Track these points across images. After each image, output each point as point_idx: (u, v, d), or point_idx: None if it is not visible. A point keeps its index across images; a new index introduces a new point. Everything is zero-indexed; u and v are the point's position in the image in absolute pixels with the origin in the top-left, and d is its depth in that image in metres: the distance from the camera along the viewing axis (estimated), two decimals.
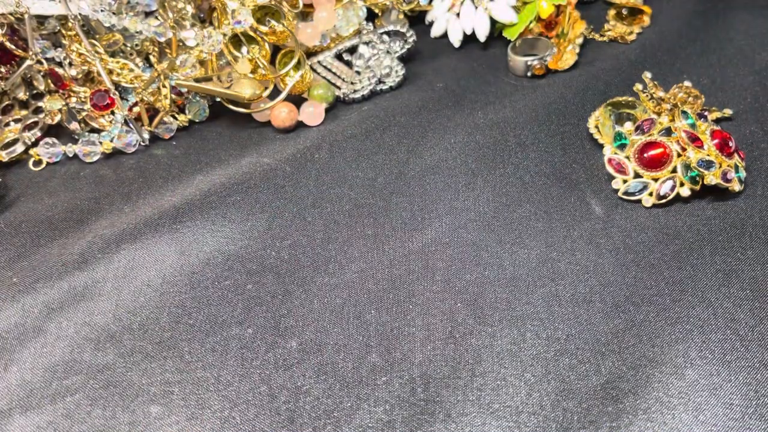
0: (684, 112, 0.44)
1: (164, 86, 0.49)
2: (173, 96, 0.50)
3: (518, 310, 0.36)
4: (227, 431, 0.32)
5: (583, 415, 0.32)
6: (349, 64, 0.54)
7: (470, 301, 0.37)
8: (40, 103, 0.50)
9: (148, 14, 0.51)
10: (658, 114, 0.45)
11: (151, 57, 0.51)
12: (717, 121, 0.46)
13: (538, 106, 0.49)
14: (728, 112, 0.47)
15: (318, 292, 0.38)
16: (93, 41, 0.49)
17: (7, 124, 0.49)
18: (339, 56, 0.54)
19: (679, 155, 0.42)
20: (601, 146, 0.45)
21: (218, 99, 0.51)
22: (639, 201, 0.42)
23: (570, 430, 0.31)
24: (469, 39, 0.56)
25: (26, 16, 0.48)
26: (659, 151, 0.42)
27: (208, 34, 0.48)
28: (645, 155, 0.42)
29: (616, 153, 0.44)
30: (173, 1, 0.49)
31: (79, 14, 0.48)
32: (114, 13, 0.49)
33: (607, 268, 0.39)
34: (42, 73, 0.49)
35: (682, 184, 0.41)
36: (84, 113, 0.49)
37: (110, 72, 0.49)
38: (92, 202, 0.46)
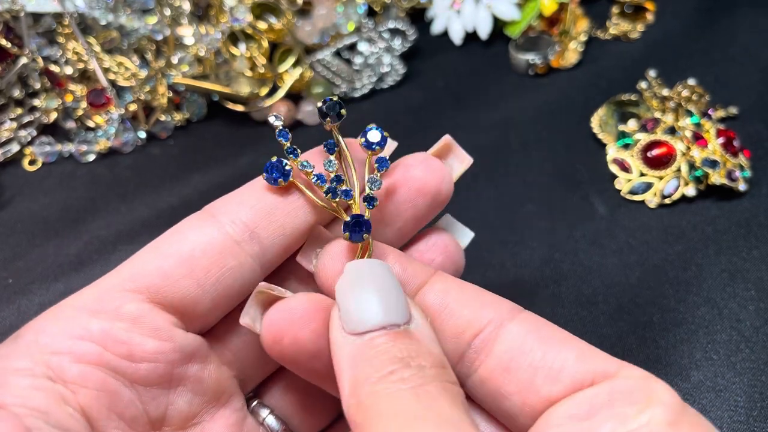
0: (688, 111, 0.44)
1: (161, 84, 0.48)
2: (170, 94, 0.49)
3: None
4: None
5: None
6: (348, 61, 0.53)
7: None
8: (35, 102, 0.49)
9: (145, 12, 0.50)
10: (663, 112, 0.45)
11: (148, 55, 0.50)
12: (722, 119, 0.46)
13: (540, 105, 0.49)
14: (733, 110, 0.46)
15: None
16: (89, 39, 0.48)
17: (2, 123, 0.48)
18: (338, 54, 0.54)
19: (683, 154, 0.41)
20: (605, 145, 0.45)
21: (216, 98, 0.50)
22: (643, 200, 0.41)
23: None
24: (471, 36, 0.55)
25: (22, 13, 0.47)
26: (663, 150, 0.42)
27: (205, 32, 0.48)
28: (649, 154, 0.42)
29: (619, 152, 0.43)
30: None
31: (76, 12, 0.48)
32: (111, 11, 0.49)
33: (611, 268, 0.38)
34: (38, 72, 0.49)
35: (686, 184, 0.41)
36: (78, 110, 0.48)
37: (107, 70, 0.48)
38: (88, 202, 0.45)
